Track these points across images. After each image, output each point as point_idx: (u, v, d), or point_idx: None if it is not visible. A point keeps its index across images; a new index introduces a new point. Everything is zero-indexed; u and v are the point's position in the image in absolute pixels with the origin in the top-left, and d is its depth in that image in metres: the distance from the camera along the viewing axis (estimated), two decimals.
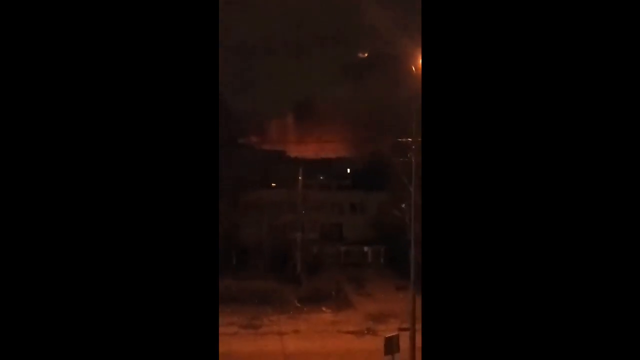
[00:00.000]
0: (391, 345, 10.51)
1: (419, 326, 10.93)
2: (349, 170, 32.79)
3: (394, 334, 11.11)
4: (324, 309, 18.78)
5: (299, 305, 19.02)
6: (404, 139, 13.03)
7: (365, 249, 27.54)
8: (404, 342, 10.62)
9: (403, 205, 22.11)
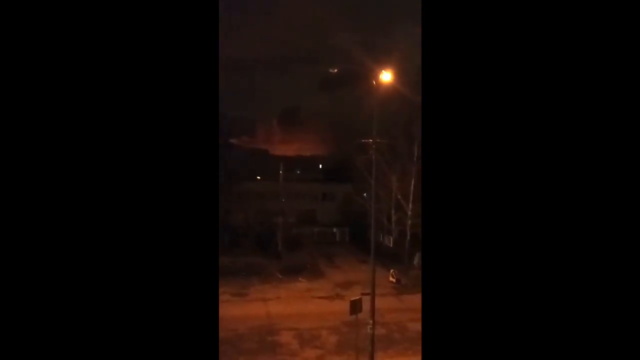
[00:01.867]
0: (355, 307, 10.57)
1: (377, 291, 11.05)
2: (320, 166, 32.71)
3: (357, 297, 11.18)
4: (300, 279, 18.75)
5: (280, 276, 18.91)
6: (366, 140, 13.05)
7: (334, 230, 27.63)
8: (366, 304, 10.71)
9: (364, 195, 22.29)
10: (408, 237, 20.16)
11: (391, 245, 22.37)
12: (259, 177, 27.74)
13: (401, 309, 14.18)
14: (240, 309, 14.47)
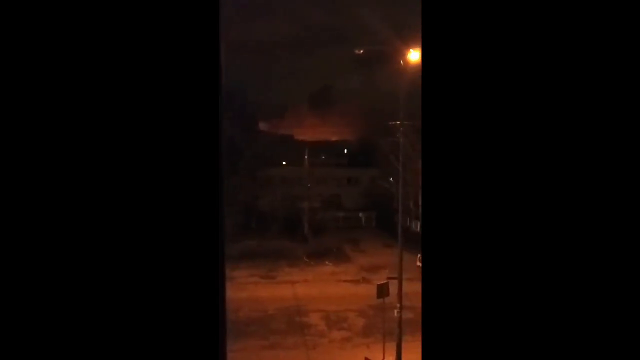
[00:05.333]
0: (382, 291, 10.59)
1: (404, 275, 11.01)
2: (345, 150, 32.52)
3: (384, 281, 11.17)
4: (326, 262, 18.96)
5: (307, 260, 19.21)
6: (392, 123, 12.75)
7: (360, 214, 27.59)
8: (392, 288, 10.69)
9: (391, 179, 21.99)
10: None
11: (418, 230, 22.11)
12: (284, 163, 27.97)
13: None
14: (269, 290, 14.86)
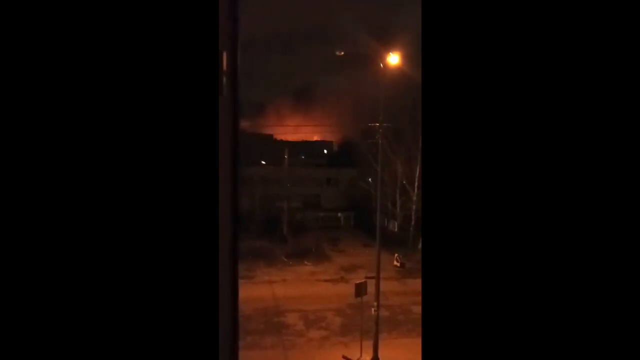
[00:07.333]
0: (360, 290, 10.72)
1: (382, 275, 11.18)
2: (325, 151, 32.61)
3: (362, 281, 11.32)
4: (305, 262, 18.97)
5: (285, 260, 19.14)
6: (372, 124, 12.94)
7: (339, 214, 27.74)
8: (370, 287, 10.85)
9: (369, 180, 22.25)
10: (412, 222, 20.20)
11: (396, 230, 22.45)
12: (263, 162, 27.74)
13: (405, 292, 14.37)
14: (247, 291, 14.71)
